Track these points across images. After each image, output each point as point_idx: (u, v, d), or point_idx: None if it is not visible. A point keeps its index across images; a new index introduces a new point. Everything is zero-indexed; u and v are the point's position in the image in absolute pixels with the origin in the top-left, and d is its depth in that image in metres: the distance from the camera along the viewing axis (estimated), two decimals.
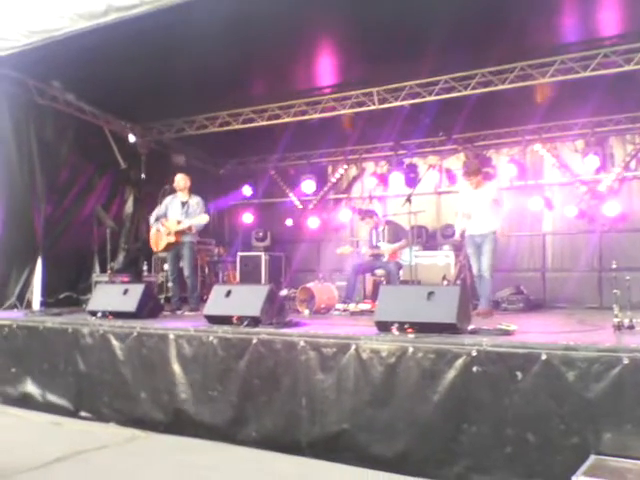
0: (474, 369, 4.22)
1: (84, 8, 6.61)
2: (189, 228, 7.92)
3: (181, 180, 8.16)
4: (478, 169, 7.70)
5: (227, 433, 5.20)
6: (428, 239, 11.11)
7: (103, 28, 6.53)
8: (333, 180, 12.81)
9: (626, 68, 7.49)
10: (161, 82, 8.41)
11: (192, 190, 8.23)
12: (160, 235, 8.02)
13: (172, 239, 7.91)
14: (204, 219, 7.98)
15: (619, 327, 4.94)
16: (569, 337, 4.59)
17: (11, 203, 8.40)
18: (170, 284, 8.34)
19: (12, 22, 7.12)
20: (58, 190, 9.16)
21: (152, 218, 8.16)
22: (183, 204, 8.07)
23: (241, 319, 5.57)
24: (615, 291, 5.11)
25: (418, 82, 8.69)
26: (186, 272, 8.02)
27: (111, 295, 6.89)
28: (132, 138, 10.36)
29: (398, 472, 4.35)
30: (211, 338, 5.41)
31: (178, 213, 8.01)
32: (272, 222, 12.96)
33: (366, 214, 9.10)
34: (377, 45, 7.45)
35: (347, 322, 6.61)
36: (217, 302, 5.97)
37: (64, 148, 9.32)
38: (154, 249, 8.33)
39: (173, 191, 8.28)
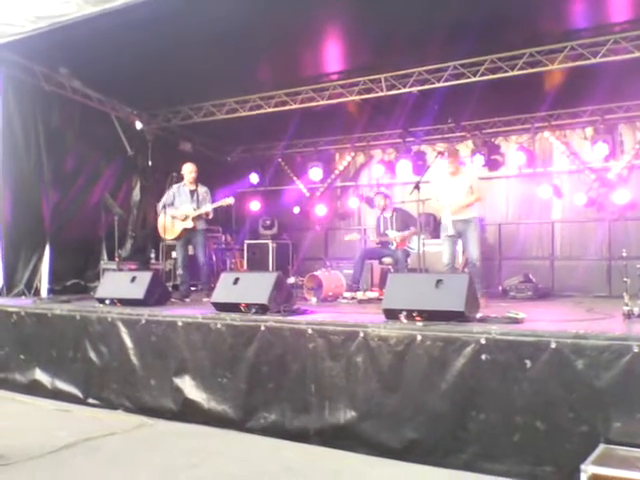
0: (483, 357, 4.20)
1: None
2: (206, 214, 8.01)
3: (192, 169, 8.18)
4: (457, 153, 7.70)
5: (235, 420, 5.22)
6: (436, 227, 11.05)
7: (110, 14, 6.48)
8: (340, 168, 12.77)
9: (637, 54, 7.39)
10: (168, 69, 8.36)
11: (198, 178, 8.25)
12: (174, 222, 8.03)
13: (189, 225, 7.96)
14: (229, 200, 8.04)
15: (629, 315, 4.91)
16: (579, 325, 4.55)
17: (18, 190, 8.39)
18: (180, 271, 8.35)
19: (18, 7, 7.07)
20: (65, 177, 9.15)
21: (160, 206, 8.17)
22: (192, 192, 8.11)
23: (249, 306, 5.57)
24: (625, 279, 5.08)
25: (426, 68, 8.63)
26: (201, 259, 8.09)
27: (119, 282, 6.90)
28: (139, 125, 10.33)
29: (406, 460, 4.36)
30: (219, 325, 5.42)
31: (188, 201, 8.06)
32: (279, 210, 12.93)
33: (378, 193, 9.08)
34: (385, 31, 7.38)
35: (355, 310, 6.60)
36: (225, 289, 5.96)
37: (71, 135, 9.29)
38: (164, 237, 8.32)
39: (180, 179, 8.28)
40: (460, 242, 7.70)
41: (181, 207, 8.06)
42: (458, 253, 7.40)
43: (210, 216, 8.14)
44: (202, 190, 8.20)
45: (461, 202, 7.18)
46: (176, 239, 8.22)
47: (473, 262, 7.23)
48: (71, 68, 8.63)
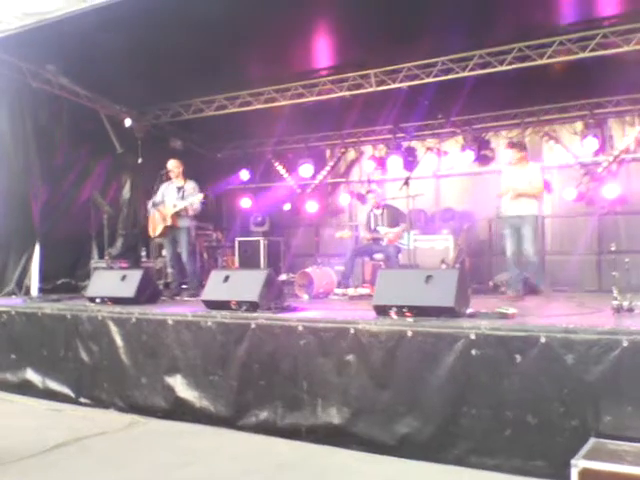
0: (473, 352, 4.22)
1: None
2: (185, 211, 7.91)
3: (174, 166, 8.14)
4: (524, 145, 7.73)
5: (227, 418, 5.21)
6: (427, 223, 11.07)
7: (98, 10, 6.40)
8: (331, 164, 12.76)
9: (625, 49, 7.41)
10: (156, 65, 8.33)
11: (188, 174, 8.22)
12: (156, 220, 8.02)
13: (169, 223, 7.91)
14: (198, 197, 7.91)
15: (618, 310, 4.93)
16: (568, 320, 4.57)
17: (7, 189, 8.35)
18: (169, 270, 8.32)
19: (5, 4, 6.99)
20: (54, 175, 9.10)
21: (149, 204, 8.17)
22: (179, 189, 8.08)
23: (239, 304, 5.56)
24: (614, 274, 5.10)
25: (416, 64, 8.60)
26: (184, 257, 8.04)
27: (109, 281, 6.87)
28: (128, 122, 10.26)
29: (399, 456, 4.37)
30: (209, 323, 5.41)
31: (174, 198, 8.00)
32: (270, 207, 12.89)
33: (370, 192, 9.14)
34: (374, 26, 7.37)
35: (346, 306, 6.62)
36: (215, 287, 5.95)
37: (59, 133, 9.24)
38: (151, 235, 8.33)
39: (169, 177, 8.25)
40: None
41: (167, 204, 8.01)
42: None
43: (189, 213, 7.95)
44: (189, 186, 8.10)
45: (518, 189, 7.17)
46: (160, 237, 8.23)
47: (528, 259, 7.22)
48: (59, 65, 8.57)
